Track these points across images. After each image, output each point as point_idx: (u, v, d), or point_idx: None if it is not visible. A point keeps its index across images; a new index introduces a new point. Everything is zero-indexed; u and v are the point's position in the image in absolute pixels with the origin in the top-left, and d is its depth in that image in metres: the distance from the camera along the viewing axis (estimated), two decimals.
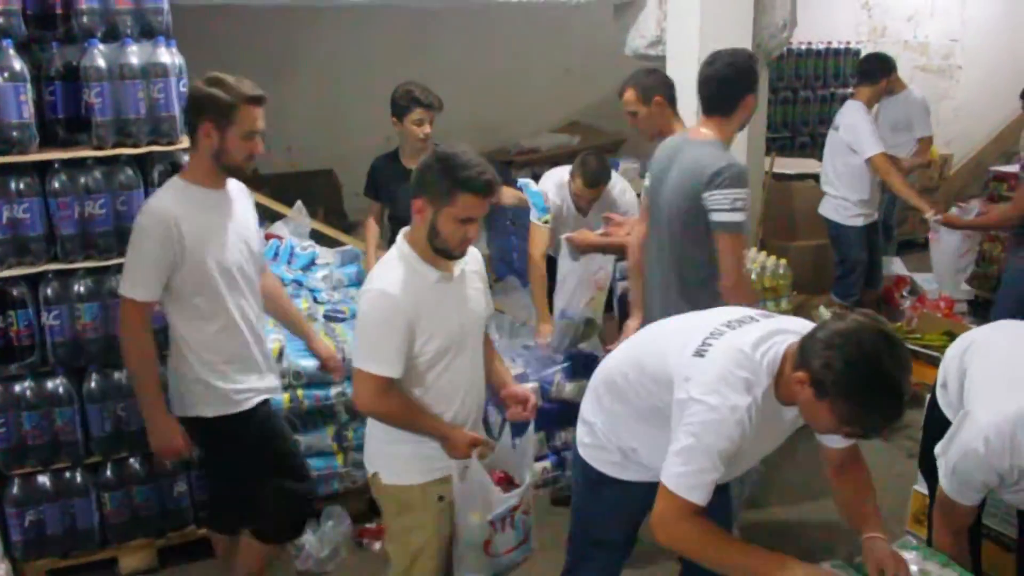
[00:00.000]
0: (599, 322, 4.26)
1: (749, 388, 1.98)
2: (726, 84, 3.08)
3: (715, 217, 2.96)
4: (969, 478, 2.32)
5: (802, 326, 2.11)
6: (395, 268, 2.41)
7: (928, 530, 2.94)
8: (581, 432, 2.45)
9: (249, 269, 2.85)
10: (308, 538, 3.49)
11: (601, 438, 2.36)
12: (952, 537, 2.45)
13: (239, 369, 2.82)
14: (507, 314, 5.12)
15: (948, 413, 2.72)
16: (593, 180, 4.08)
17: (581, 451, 2.44)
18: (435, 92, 4.01)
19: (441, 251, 2.41)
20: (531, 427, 2.70)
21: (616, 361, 2.39)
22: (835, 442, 2.21)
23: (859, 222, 5.18)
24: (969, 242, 5.48)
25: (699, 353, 2.06)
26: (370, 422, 2.57)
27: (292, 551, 3.51)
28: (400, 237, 2.49)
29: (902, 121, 5.83)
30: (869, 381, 1.85)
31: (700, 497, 1.98)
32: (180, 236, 2.63)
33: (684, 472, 1.98)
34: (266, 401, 2.91)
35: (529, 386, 4.01)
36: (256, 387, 2.86)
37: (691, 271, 3.09)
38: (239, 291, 2.80)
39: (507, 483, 2.62)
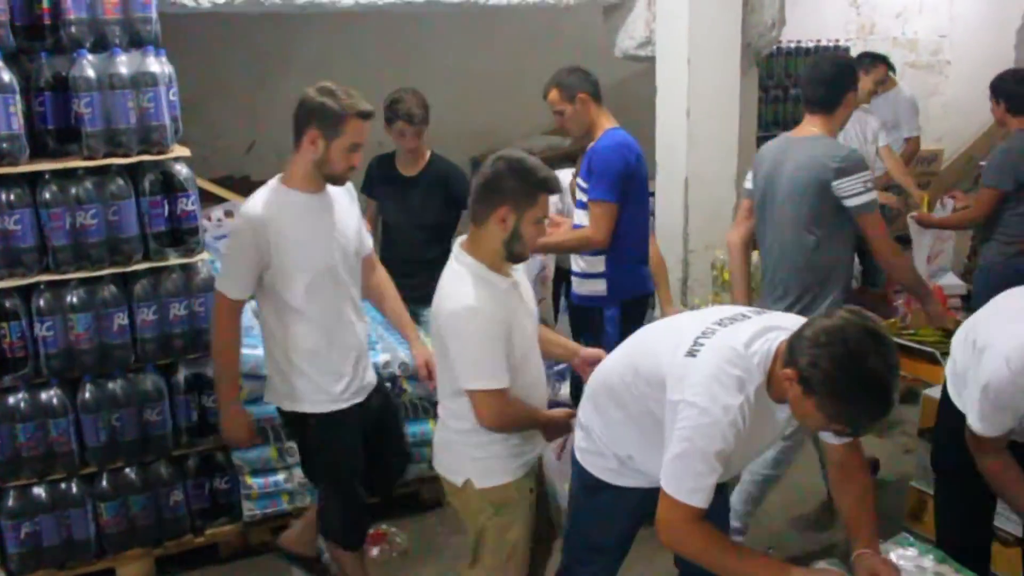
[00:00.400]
0: (552, 324, 4.28)
1: (742, 386, 1.98)
2: (830, 84, 3.31)
3: (853, 202, 3.19)
4: (999, 403, 2.34)
5: (794, 322, 2.11)
6: (469, 282, 2.41)
7: (936, 527, 2.94)
8: (579, 437, 2.45)
9: (343, 272, 2.88)
10: None
11: (598, 443, 2.36)
12: (998, 460, 2.44)
13: (318, 370, 2.86)
14: None
15: (958, 403, 2.70)
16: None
17: (578, 456, 2.43)
18: (426, 100, 4.00)
19: (518, 255, 2.46)
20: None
21: (613, 364, 2.39)
22: (833, 437, 2.21)
23: None
24: (940, 244, 5.49)
25: (691, 353, 2.06)
26: (445, 433, 2.58)
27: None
28: (458, 250, 2.49)
29: (890, 120, 5.83)
30: (855, 379, 1.85)
31: (701, 500, 1.99)
32: (269, 239, 2.72)
33: (683, 477, 1.99)
34: (351, 407, 2.93)
35: None
36: (330, 391, 2.89)
37: (810, 252, 3.29)
38: (328, 294, 2.84)
39: None
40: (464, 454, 2.54)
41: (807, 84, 3.40)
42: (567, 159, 5.63)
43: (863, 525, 2.19)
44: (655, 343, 2.26)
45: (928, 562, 2.14)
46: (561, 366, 4.09)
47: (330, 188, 2.86)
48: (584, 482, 2.43)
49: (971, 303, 4.57)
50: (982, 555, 2.77)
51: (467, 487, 2.54)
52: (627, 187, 3.42)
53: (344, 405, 2.91)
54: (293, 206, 2.77)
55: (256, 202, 2.79)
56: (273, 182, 2.84)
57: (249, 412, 3.06)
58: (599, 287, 3.50)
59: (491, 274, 2.44)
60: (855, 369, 1.85)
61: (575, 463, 2.46)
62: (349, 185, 2.96)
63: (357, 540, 3.15)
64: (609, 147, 3.44)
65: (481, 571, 2.61)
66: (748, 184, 3.57)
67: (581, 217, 3.57)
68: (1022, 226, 4.23)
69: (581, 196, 3.55)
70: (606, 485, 2.37)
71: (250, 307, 3.97)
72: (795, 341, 1.95)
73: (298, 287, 2.77)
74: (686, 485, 1.99)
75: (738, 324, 2.12)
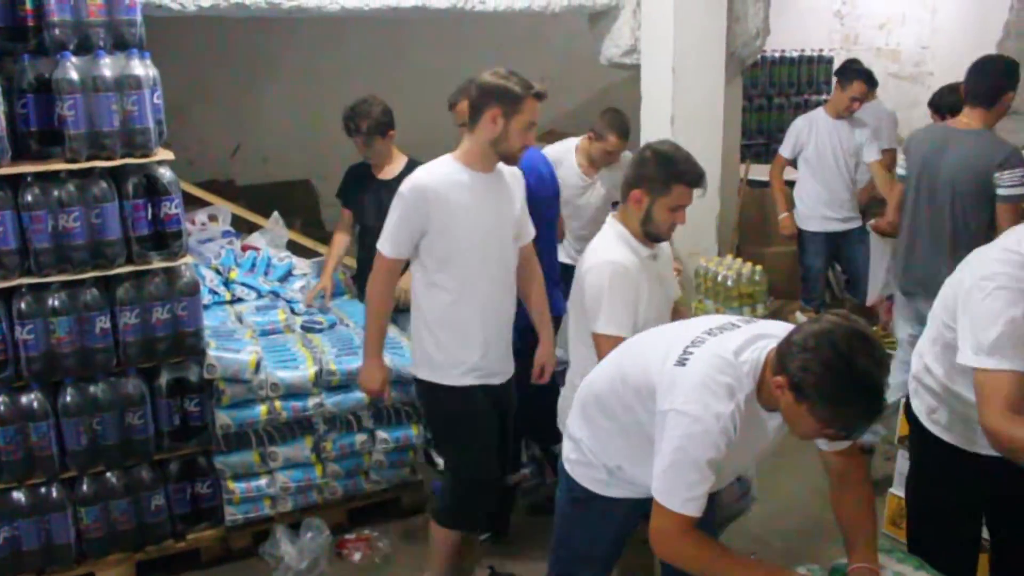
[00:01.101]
0: None
1: (732, 394, 1.99)
2: (994, 79, 3.72)
3: (1004, 192, 3.61)
4: (995, 316, 2.13)
5: (783, 329, 2.11)
6: (616, 244, 2.75)
7: (908, 534, 2.93)
8: (567, 448, 2.43)
9: (494, 253, 2.96)
10: (287, 549, 3.48)
11: (587, 454, 2.35)
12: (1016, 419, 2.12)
13: (459, 344, 2.95)
14: None
15: (913, 402, 2.66)
16: (626, 130, 4.29)
17: (567, 467, 2.42)
18: (384, 108, 3.98)
19: (651, 235, 2.75)
20: None
21: (601, 373, 2.38)
22: (826, 444, 2.19)
23: (813, 227, 5.18)
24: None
25: (680, 362, 2.06)
26: (571, 392, 2.71)
27: (271, 562, 3.50)
28: (611, 217, 2.83)
29: (872, 130, 5.87)
30: (846, 380, 1.86)
31: (694, 510, 2.00)
32: (430, 208, 2.84)
33: (676, 487, 2.00)
34: (483, 387, 3.01)
35: None
36: (467, 363, 2.96)
37: (964, 237, 3.65)
38: (475, 271, 2.92)
39: None
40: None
41: (973, 76, 3.75)
42: None
43: (859, 538, 2.16)
44: (643, 353, 2.26)
45: (906, 568, 2.15)
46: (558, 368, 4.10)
47: (503, 172, 2.98)
48: (573, 494, 2.41)
49: None
50: (966, 560, 2.76)
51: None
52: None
53: (473, 382, 2.98)
54: (461, 181, 2.88)
55: (426, 171, 2.92)
56: (446, 156, 2.95)
57: (387, 367, 3.20)
58: None
59: (633, 240, 2.75)
60: (845, 370, 1.85)
61: (563, 474, 2.45)
62: (519, 174, 3.07)
63: (471, 523, 3.18)
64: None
65: None
66: (901, 170, 4.02)
67: None
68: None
69: None
70: (595, 496, 2.35)
71: (233, 311, 3.98)
72: (784, 348, 1.95)
73: (448, 259, 2.90)
74: (680, 495, 1.99)
75: (727, 333, 2.12)
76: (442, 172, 2.89)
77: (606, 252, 2.73)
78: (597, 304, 2.69)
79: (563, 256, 4.54)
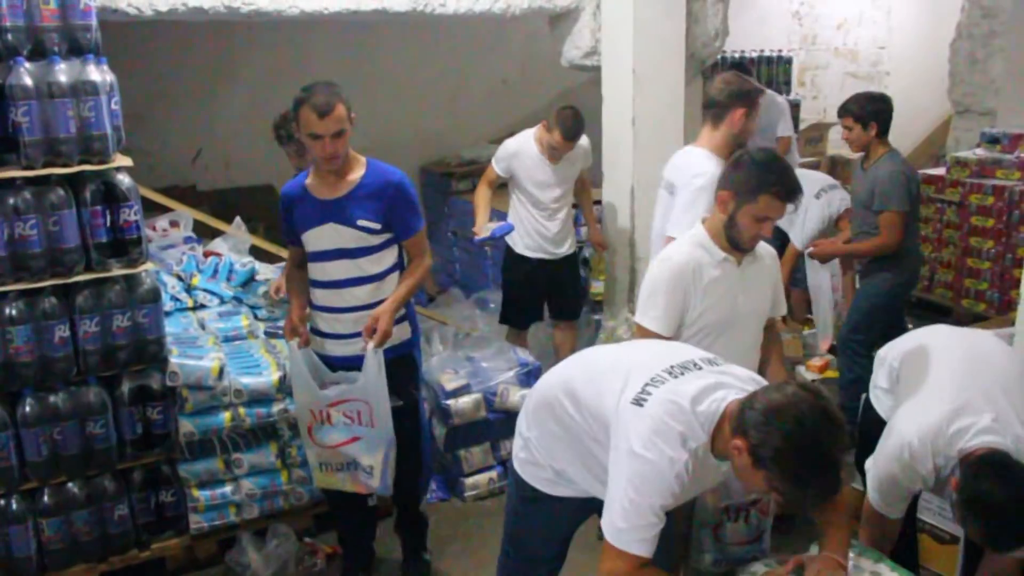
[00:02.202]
0: None
1: (684, 442, 1.98)
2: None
3: None
4: (895, 487, 2.44)
5: (745, 380, 2.12)
6: (686, 244, 2.76)
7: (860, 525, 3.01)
8: (517, 446, 2.44)
9: None
10: (253, 557, 3.46)
11: (535, 454, 2.35)
12: (883, 534, 2.54)
13: None
14: (450, 324, 5.13)
15: (881, 411, 2.79)
16: (571, 134, 4.34)
17: (516, 466, 2.42)
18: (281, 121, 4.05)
19: (734, 241, 2.69)
20: None
21: (554, 381, 2.36)
22: None
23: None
24: (838, 278, 5.39)
25: (638, 401, 2.04)
26: None
27: (237, 570, 3.48)
28: (698, 223, 2.81)
29: (765, 123, 6.01)
30: (810, 463, 1.85)
31: (646, 550, 1.99)
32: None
33: (629, 530, 1.99)
34: None
35: (473, 397, 4.05)
36: None
37: None
38: None
39: None
40: None
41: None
42: None
43: (831, 528, 2.18)
44: (600, 378, 2.22)
45: (865, 562, 2.19)
46: (509, 374, 4.11)
47: None
48: (521, 493, 2.42)
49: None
50: (908, 549, 2.84)
51: None
52: None
53: None
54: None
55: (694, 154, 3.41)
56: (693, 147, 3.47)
57: None
58: (404, 332, 3.26)
59: (710, 242, 2.72)
60: (810, 453, 1.85)
61: (512, 473, 2.45)
62: None
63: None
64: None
65: None
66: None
67: None
68: (913, 252, 4.35)
69: None
70: (543, 495, 2.35)
71: (196, 318, 3.94)
72: (747, 411, 1.93)
73: None
74: (635, 536, 1.99)
75: (688, 375, 2.10)
76: (702, 156, 3.38)
77: (671, 248, 2.80)
78: (644, 294, 2.77)
79: (521, 248, 4.58)
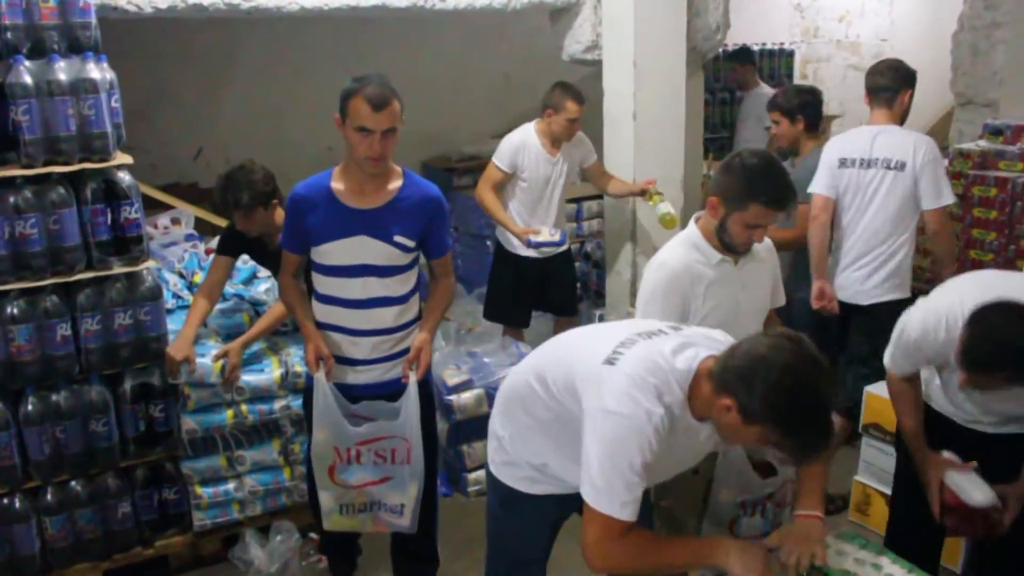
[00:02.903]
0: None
1: (659, 396, 1.94)
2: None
3: None
4: (907, 350, 2.54)
5: (714, 338, 2.10)
6: (680, 247, 2.68)
7: (887, 528, 3.00)
8: (491, 448, 2.39)
9: None
10: (256, 553, 3.46)
11: (511, 453, 2.31)
12: (897, 384, 2.66)
13: None
14: (452, 320, 5.13)
15: None
16: (580, 95, 4.36)
17: (492, 469, 2.38)
18: (262, 178, 3.40)
19: (727, 245, 2.63)
20: None
21: (522, 370, 2.33)
22: None
23: None
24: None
25: (610, 361, 2.01)
26: None
27: (241, 567, 3.48)
28: (692, 222, 2.73)
29: (756, 115, 6.06)
30: (801, 407, 1.83)
31: (631, 513, 1.94)
32: None
33: (612, 491, 1.93)
34: None
35: (475, 392, 4.05)
36: None
37: None
38: None
39: (768, 470, 2.64)
40: None
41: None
42: None
43: (811, 486, 2.20)
44: (566, 353, 2.21)
45: (867, 554, 2.19)
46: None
47: None
48: (500, 495, 2.38)
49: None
50: (932, 551, 2.83)
51: None
52: None
53: None
54: None
55: None
56: None
57: None
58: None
59: (704, 243, 2.65)
60: (800, 398, 1.82)
61: (489, 476, 2.41)
62: None
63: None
64: None
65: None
66: None
67: None
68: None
69: None
70: (523, 495, 2.31)
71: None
72: (729, 366, 1.91)
73: None
74: (617, 499, 1.93)
75: (659, 338, 2.07)
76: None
77: (665, 252, 2.71)
78: (642, 302, 2.70)
79: (513, 246, 4.58)
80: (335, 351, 2.90)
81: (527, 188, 4.48)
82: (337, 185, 2.83)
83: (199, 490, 3.48)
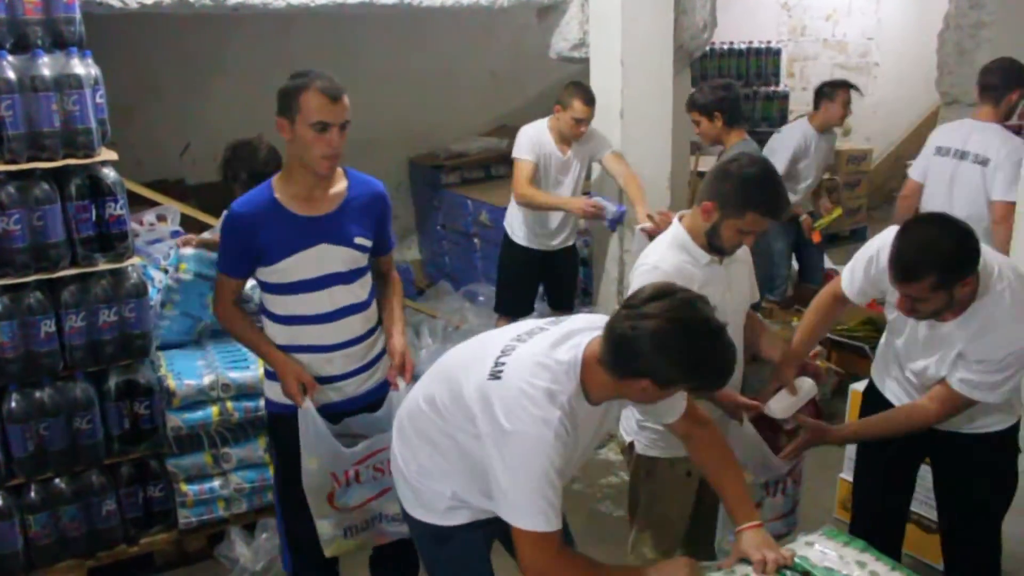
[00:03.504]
0: None
1: (553, 398, 1.93)
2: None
3: None
4: (857, 265, 2.64)
5: (592, 322, 2.09)
6: (668, 249, 2.63)
7: (851, 514, 3.05)
8: (401, 493, 2.32)
9: None
10: (242, 551, 3.46)
11: (420, 490, 2.24)
12: (823, 296, 2.83)
13: None
14: (439, 318, 5.13)
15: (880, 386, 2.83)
16: (590, 97, 4.29)
17: (409, 511, 2.30)
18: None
19: (717, 249, 2.59)
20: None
21: (412, 396, 2.31)
22: (672, 416, 2.24)
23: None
24: None
25: (494, 375, 1.98)
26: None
27: (226, 564, 3.48)
28: (676, 222, 2.67)
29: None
30: (693, 336, 1.87)
31: (554, 523, 1.94)
32: None
33: (531, 506, 1.92)
34: None
35: None
36: None
37: None
38: None
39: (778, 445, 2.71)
40: (634, 420, 2.71)
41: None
42: (504, 161, 5.68)
43: (738, 495, 2.21)
44: (451, 372, 2.17)
45: (850, 551, 2.19)
46: None
47: None
48: (426, 536, 2.30)
49: None
50: (894, 535, 2.88)
51: (632, 448, 2.75)
52: None
53: None
54: None
55: None
56: None
57: None
58: None
59: (691, 243, 2.61)
60: (689, 327, 1.87)
61: (410, 521, 2.33)
62: None
63: None
64: None
65: (637, 529, 2.79)
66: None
67: None
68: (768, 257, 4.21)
69: None
70: (448, 530, 2.22)
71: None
72: (615, 343, 1.91)
73: None
74: (540, 512, 1.92)
75: (537, 336, 2.07)
76: None
77: (653, 255, 2.64)
78: None
79: (520, 239, 4.57)
80: (310, 373, 2.70)
81: (538, 184, 4.44)
82: (282, 196, 2.61)
83: (184, 487, 3.47)
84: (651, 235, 4.03)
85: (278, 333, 2.71)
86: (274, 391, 2.74)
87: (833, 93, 5.13)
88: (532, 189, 4.38)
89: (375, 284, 2.85)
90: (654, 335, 1.86)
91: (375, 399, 2.81)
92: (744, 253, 2.79)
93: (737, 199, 2.50)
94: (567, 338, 2.03)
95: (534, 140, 4.40)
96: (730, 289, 2.69)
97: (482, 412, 1.97)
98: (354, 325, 2.74)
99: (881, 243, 2.54)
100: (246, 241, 2.59)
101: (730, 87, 4.12)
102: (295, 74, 2.60)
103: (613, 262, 4.86)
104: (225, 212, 2.70)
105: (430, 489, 2.21)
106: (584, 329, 2.06)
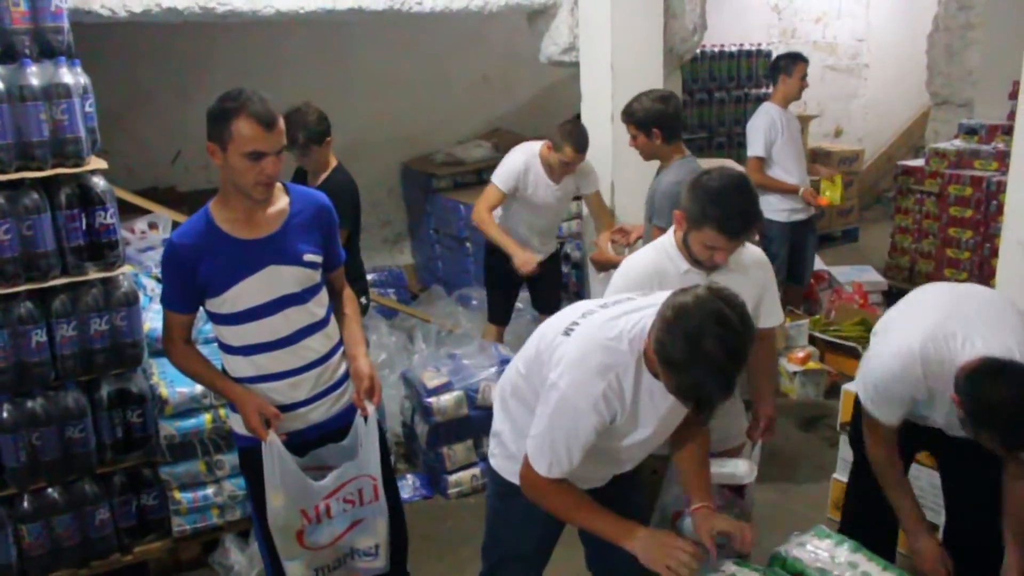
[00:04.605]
0: None
1: (604, 372, 2.01)
2: None
3: None
4: (888, 395, 2.47)
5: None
6: (649, 249, 2.74)
7: (842, 515, 3.05)
8: (492, 445, 2.45)
9: None
10: (237, 558, 3.45)
11: (509, 447, 2.35)
12: (883, 450, 2.59)
13: None
14: (432, 322, 5.13)
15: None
16: (583, 145, 4.24)
17: (492, 462, 2.44)
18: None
19: (693, 258, 2.63)
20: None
21: (510, 366, 2.40)
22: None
23: (781, 217, 5.29)
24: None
25: (567, 332, 2.10)
26: None
27: (221, 572, 3.47)
28: (671, 230, 2.73)
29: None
30: (687, 357, 1.86)
31: (558, 474, 2.09)
32: None
33: (543, 453, 2.08)
34: None
35: (454, 394, 4.04)
36: None
37: None
38: None
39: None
40: None
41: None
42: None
43: (700, 479, 2.28)
44: (544, 328, 2.28)
45: (842, 551, 2.20)
46: (491, 371, 4.11)
47: None
48: (498, 489, 2.43)
49: None
50: (888, 537, 2.88)
51: None
52: None
53: None
54: None
55: None
56: None
57: None
58: None
59: (675, 250, 2.66)
60: (689, 347, 1.85)
61: (489, 472, 2.47)
62: None
63: None
64: None
65: None
66: None
67: None
68: None
69: None
70: (517, 489, 2.30)
71: None
72: (656, 318, 1.96)
73: None
74: (545, 459, 2.08)
75: (618, 306, 2.14)
76: None
77: (638, 255, 2.76)
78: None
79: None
80: (277, 403, 2.56)
81: (523, 211, 4.45)
82: (221, 221, 2.47)
83: (178, 495, 3.47)
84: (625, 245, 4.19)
85: (238, 366, 2.58)
86: (239, 424, 2.61)
87: (790, 67, 5.22)
88: (489, 217, 4.38)
89: (332, 304, 2.73)
90: (674, 320, 1.89)
91: (343, 423, 2.69)
92: (758, 267, 2.75)
93: (697, 212, 2.52)
94: (641, 310, 2.08)
95: (519, 171, 4.34)
96: None
97: (550, 363, 2.10)
98: (315, 344, 2.60)
99: (900, 371, 2.42)
100: (188, 273, 2.46)
101: (670, 99, 3.73)
102: (225, 96, 2.40)
103: None
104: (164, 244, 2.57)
105: (519, 450, 2.28)
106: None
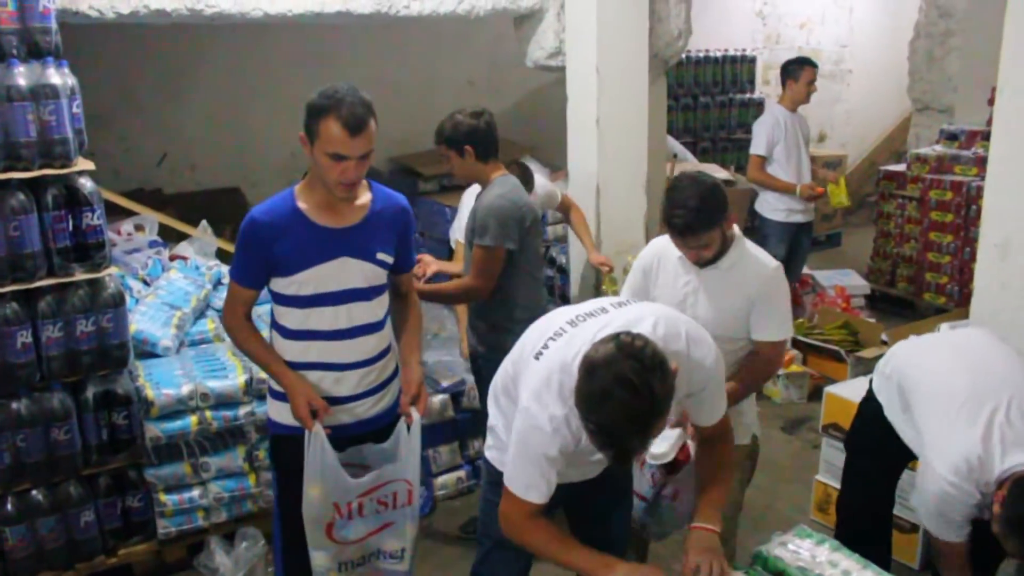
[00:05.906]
0: None
1: (565, 398, 2.02)
2: None
3: None
4: (951, 518, 2.48)
5: (656, 311, 2.18)
6: (664, 237, 2.80)
7: (837, 519, 3.07)
8: (488, 439, 2.47)
9: None
10: (222, 561, 3.45)
11: (502, 438, 2.37)
12: (959, 560, 2.57)
13: None
14: None
15: (904, 438, 2.80)
16: (530, 185, 4.09)
17: (487, 454, 2.47)
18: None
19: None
20: None
21: (504, 362, 2.40)
22: (711, 419, 2.28)
23: (778, 216, 5.34)
24: None
25: (537, 355, 2.14)
26: None
27: (206, 574, 3.47)
28: None
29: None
30: (595, 414, 1.89)
31: (537, 496, 2.10)
32: None
33: (518, 476, 2.12)
34: None
35: (440, 398, 4.05)
36: None
37: None
38: None
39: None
40: None
41: None
42: None
43: (711, 496, 2.27)
44: (525, 338, 2.30)
45: (822, 551, 2.23)
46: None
47: None
48: (491, 478, 2.46)
49: None
50: (881, 539, 2.91)
51: None
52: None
53: None
54: None
55: None
56: None
57: None
58: None
59: (671, 247, 2.76)
60: (599, 408, 1.87)
61: (484, 464, 2.50)
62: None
63: None
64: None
65: None
66: None
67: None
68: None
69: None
70: None
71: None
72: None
73: None
74: (522, 482, 2.11)
75: (590, 321, 2.15)
76: None
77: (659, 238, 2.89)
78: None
79: None
80: (320, 394, 2.58)
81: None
82: (304, 205, 2.51)
83: (163, 497, 3.46)
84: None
85: (288, 348, 2.59)
86: (280, 412, 2.63)
87: (798, 72, 5.32)
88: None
89: (392, 306, 2.74)
90: (584, 374, 1.92)
91: (385, 424, 2.70)
92: (757, 276, 2.72)
93: (664, 216, 2.64)
94: (606, 327, 2.08)
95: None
96: (700, 292, 2.75)
97: (521, 384, 2.16)
98: (368, 344, 2.62)
99: (956, 498, 2.44)
100: (262, 250, 2.48)
101: (481, 115, 3.37)
102: (323, 91, 2.42)
103: (590, 268, 4.89)
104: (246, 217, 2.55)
105: (509, 442, 2.29)
106: (642, 319, 2.11)
